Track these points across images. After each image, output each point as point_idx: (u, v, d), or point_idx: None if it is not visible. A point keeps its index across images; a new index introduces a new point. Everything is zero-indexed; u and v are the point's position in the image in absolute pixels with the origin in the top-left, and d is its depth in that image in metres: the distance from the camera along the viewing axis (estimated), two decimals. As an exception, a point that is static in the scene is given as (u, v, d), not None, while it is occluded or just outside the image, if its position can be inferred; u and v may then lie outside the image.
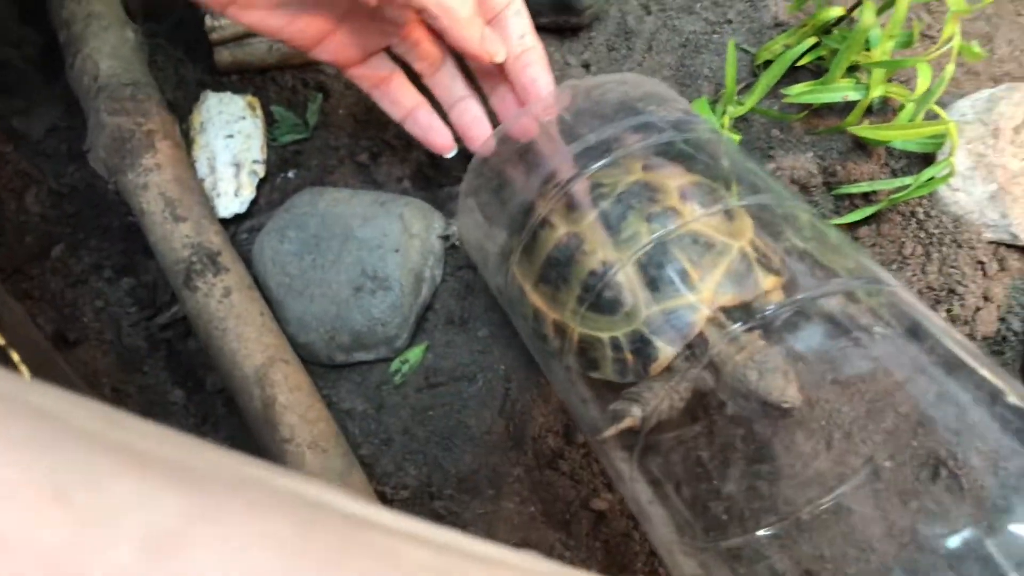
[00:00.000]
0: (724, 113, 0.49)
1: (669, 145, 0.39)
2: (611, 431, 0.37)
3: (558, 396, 0.47)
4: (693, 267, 0.36)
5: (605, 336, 0.37)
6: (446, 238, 0.54)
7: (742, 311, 0.35)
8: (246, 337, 0.49)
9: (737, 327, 0.35)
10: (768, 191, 0.39)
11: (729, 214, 0.37)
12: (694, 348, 0.36)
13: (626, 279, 0.36)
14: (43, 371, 0.46)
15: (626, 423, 0.37)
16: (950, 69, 0.45)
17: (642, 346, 0.36)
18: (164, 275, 0.53)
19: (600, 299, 0.37)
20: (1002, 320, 0.49)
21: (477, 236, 0.46)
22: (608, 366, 0.37)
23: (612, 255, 0.37)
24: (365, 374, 0.52)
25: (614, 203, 0.38)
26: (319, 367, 0.52)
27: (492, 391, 0.51)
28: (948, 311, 0.49)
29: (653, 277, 0.36)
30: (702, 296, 0.35)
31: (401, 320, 0.50)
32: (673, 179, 0.38)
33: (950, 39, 0.43)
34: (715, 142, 0.41)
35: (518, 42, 0.43)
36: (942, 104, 0.53)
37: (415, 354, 0.52)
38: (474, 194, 0.45)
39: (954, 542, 0.30)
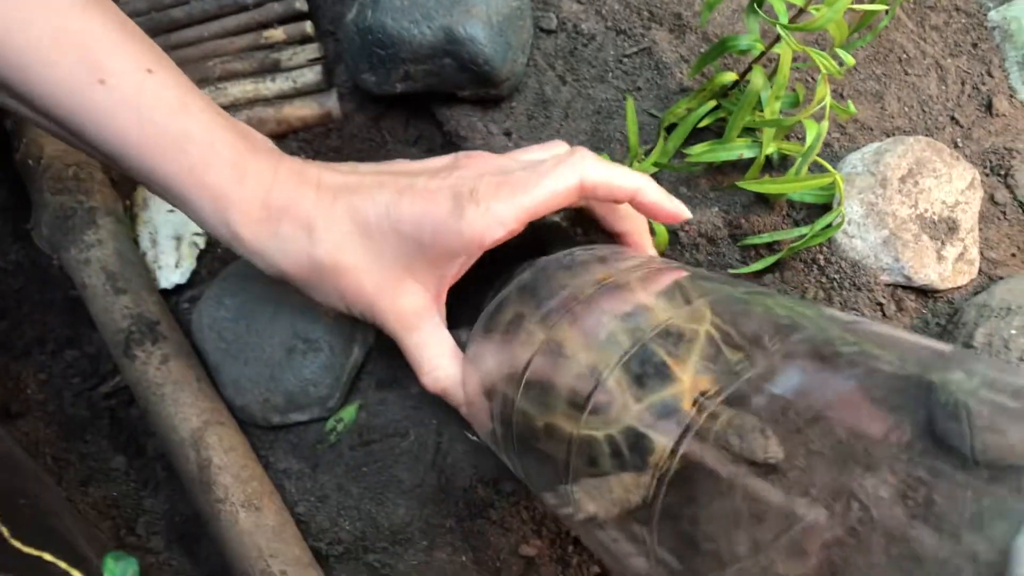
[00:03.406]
0: None
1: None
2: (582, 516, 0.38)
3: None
4: (672, 359, 0.38)
5: (601, 435, 0.38)
6: None
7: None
8: (182, 402, 0.51)
9: (710, 403, 0.36)
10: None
11: (685, 295, 0.40)
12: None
13: (614, 381, 0.38)
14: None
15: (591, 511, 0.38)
16: (824, 125, 0.49)
17: (636, 440, 0.37)
18: (106, 346, 0.55)
19: (592, 400, 0.38)
20: (901, 357, 0.52)
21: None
22: (606, 462, 0.38)
23: (596, 358, 0.39)
24: (301, 434, 0.54)
25: (585, 307, 0.41)
26: (256, 428, 0.54)
27: (424, 445, 0.53)
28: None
29: (638, 374, 0.38)
30: (684, 386, 0.37)
31: (332, 380, 0.52)
32: (630, 273, 0.41)
33: (822, 99, 0.47)
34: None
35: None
36: (837, 158, 0.57)
37: (348, 413, 0.53)
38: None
39: None
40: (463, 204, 0.42)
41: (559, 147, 0.49)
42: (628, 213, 0.49)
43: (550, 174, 0.43)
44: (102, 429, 0.56)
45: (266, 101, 0.63)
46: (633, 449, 0.37)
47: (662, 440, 0.36)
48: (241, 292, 0.54)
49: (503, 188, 0.42)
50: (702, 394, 0.36)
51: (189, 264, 0.60)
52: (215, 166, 0.42)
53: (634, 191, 0.44)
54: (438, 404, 0.54)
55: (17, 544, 0.26)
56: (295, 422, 0.53)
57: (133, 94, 0.41)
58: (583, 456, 0.38)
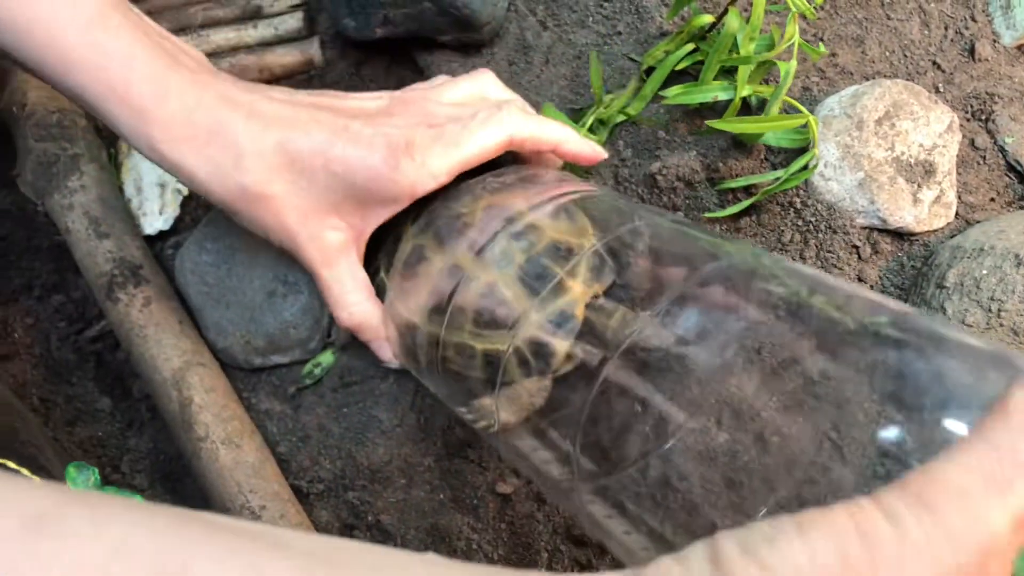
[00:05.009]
0: (591, 117, 0.53)
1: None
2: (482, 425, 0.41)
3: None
4: (563, 271, 0.40)
5: (506, 347, 0.41)
6: None
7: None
8: (164, 343, 0.52)
9: (603, 302, 0.40)
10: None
11: (570, 215, 0.42)
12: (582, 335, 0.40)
13: (512, 296, 0.40)
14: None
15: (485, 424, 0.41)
16: (793, 64, 0.49)
17: (539, 348, 0.40)
18: (92, 291, 0.56)
19: (495, 316, 0.41)
20: (874, 299, 0.52)
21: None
22: (514, 372, 0.41)
23: (493, 275, 0.41)
24: (283, 377, 0.55)
25: (479, 230, 0.43)
26: (239, 371, 0.55)
27: (403, 387, 0.54)
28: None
29: (534, 287, 0.40)
30: (576, 294, 0.40)
31: (312, 323, 0.53)
32: (518, 198, 0.43)
33: (791, 38, 0.47)
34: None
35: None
36: (817, 102, 0.57)
37: (326, 358, 0.54)
38: None
39: None
40: (398, 156, 0.44)
41: (484, 79, 0.50)
42: (547, 162, 0.51)
43: (481, 130, 0.45)
44: (88, 372, 0.57)
45: (248, 49, 0.63)
46: (537, 356, 0.40)
47: (561, 345, 0.39)
48: (222, 237, 0.55)
49: (437, 143, 0.44)
50: (594, 298, 0.40)
51: (173, 211, 0.60)
52: (134, 83, 0.43)
53: (557, 143, 0.47)
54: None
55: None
56: (276, 364, 0.54)
57: (49, 10, 0.41)
58: (492, 370, 0.41)
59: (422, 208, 0.47)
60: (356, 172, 0.44)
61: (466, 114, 0.46)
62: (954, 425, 0.27)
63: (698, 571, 0.20)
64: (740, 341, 0.36)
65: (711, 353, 0.37)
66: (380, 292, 0.49)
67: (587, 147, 0.49)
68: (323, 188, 0.45)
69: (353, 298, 0.48)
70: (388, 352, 0.50)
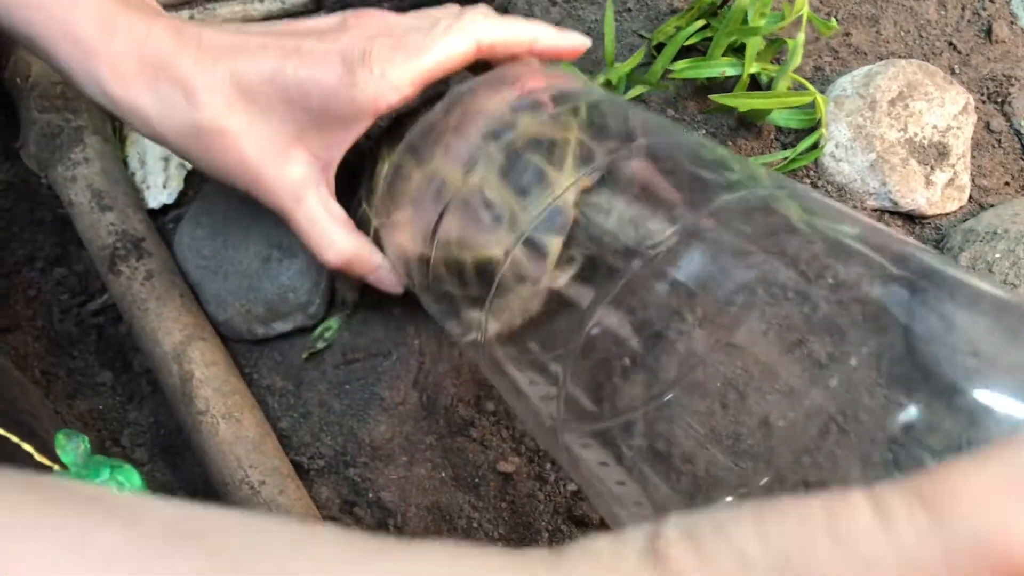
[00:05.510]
0: (600, 78, 0.52)
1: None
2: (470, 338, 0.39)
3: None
4: (548, 165, 0.38)
5: (498, 252, 0.39)
6: None
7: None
8: (165, 316, 0.52)
9: (596, 198, 0.37)
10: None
11: (550, 109, 0.40)
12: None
13: (498, 198, 0.39)
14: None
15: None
16: (801, 38, 0.48)
17: (531, 248, 0.38)
18: (94, 264, 0.56)
19: (482, 222, 0.39)
20: (884, 282, 0.52)
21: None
22: (508, 278, 0.39)
23: (475, 179, 0.39)
24: (286, 352, 0.55)
25: (455, 136, 0.41)
26: (242, 344, 0.55)
27: (406, 365, 0.54)
28: (835, 276, 0.52)
29: (520, 186, 0.38)
30: (564, 186, 0.38)
31: (311, 285, 0.52)
32: (493, 99, 0.41)
33: (800, 10, 0.46)
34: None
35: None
36: (829, 81, 0.56)
37: (334, 322, 0.54)
38: None
39: None
40: (354, 69, 0.40)
41: (453, 8, 0.47)
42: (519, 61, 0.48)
43: (445, 37, 0.42)
44: (89, 345, 0.56)
45: (254, 22, 0.62)
46: (530, 258, 0.37)
47: (554, 242, 0.37)
48: (216, 210, 0.54)
49: (397, 52, 0.41)
50: (584, 191, 0.37)
51: (177, 185, 0.60)
52: (80, 20, 0.40)
53: (530, 41, 0.44)
54: (421, 325, 0.55)
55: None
56: (279, 333, 0.54)
57: None
58: (485, 280, 0.39)
59: (394, 128, 0.45)
60: (311, 93, 0.41)
61: (426, 24, 0.43)
62: (984, 397, 0.24)
63: (631, 554, 0.17)
64: (757, 278, 0.33)
65: (726, 279, 0.35)
66: (364, 225, 0.47)
67: (565, 39, 0.45)
68: (281, 118, 0.42)
69: (334, 234, 0.45)
70: (389, 280, 0.47)
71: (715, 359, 0.32)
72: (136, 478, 0.28)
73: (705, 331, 0.33)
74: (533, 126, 0.39)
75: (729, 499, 0.29)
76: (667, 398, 0.32)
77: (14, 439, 0.27)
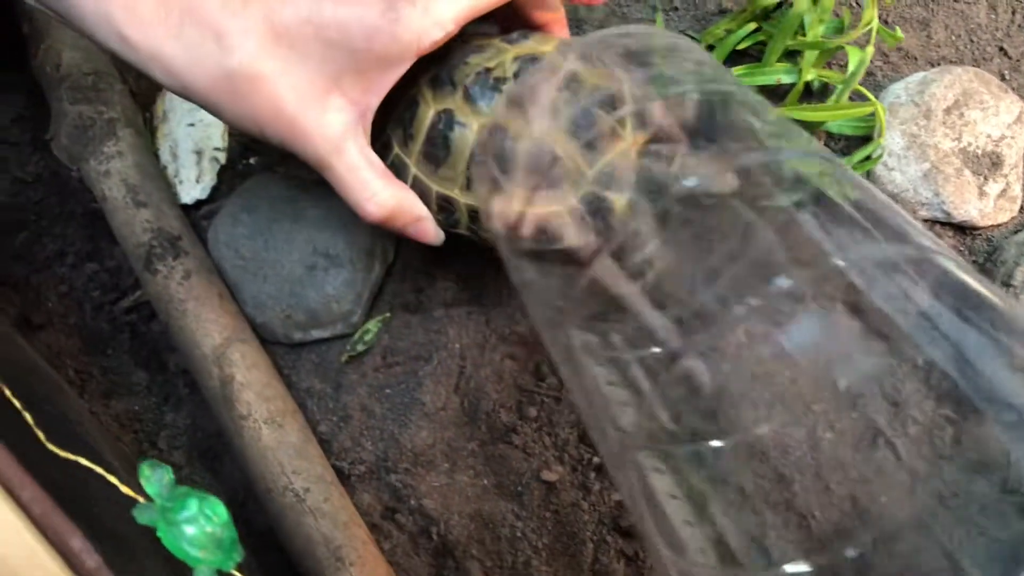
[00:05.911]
0: None
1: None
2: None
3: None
4: (612, 119, 0.37)
5: (563, 208, 0.38)
6: None
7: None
8: (204, 318, 0.51)
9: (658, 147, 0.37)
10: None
11: (606, 60, 0.39)
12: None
13: (564, 152, 0.37)
14: (9, 353, 0.47)
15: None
16: (869, 51, 0.47)
17: (598, 204, 0.37)
18: (127, 260, 0.55)
19: (547, 176, 0.38)
20: (935, 294, 0.51)
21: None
22: (571, 233, 0.38)
23: (540, 130, 0.38)
24: (324, 354, 0.54)
25: (518, 84, 0.40)
26: (279, 347, 0.54)
27: (447, 370, 0.53)
28: (885, 286, 0.51)
29: (586, 140, 0.37)
30: (628, 142, 0.37)
31: (355, 296, 0.52)
32: (547, 45, 0.40)
33: (869, 23, 0.45)
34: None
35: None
36: (880, 87, 0.55)
37: (374, 325, 0.53)
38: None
39: None
40: (397, 5, 0.38)
41: None
42: (548, 4, 0.46)
43: None
44: (123, 343, 0.55)
45: None
46: (595, 214, 0.36)
47: (621, 197, 0.36)
48: (258, 208, 0.53)
49: None
50: (646, 143, 0.36)
51: (210, 179, 0.59)
52: None
53: None
54: (461, 329, 0.54)
55: (53, 448, 0.25)
56: (317, 339, 0.53)
57: None
58: (546, 237, 0.38)
59: (433, 70, 0.43)
60: (353, 33, 0.39)
61: None
62: None
63: None
64: None
65: None
66: (399, 172, 0.45)
67: None
68: (319, 60, 0.39)
69: (376, 185, 0.42)
70: (431, 232, 0.45)
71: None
72: (223, 511, 0.27)
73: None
74: (594, 77, 0.38)
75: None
76: (760, 432, 0.31)
77: (99, 469, 0.26)
